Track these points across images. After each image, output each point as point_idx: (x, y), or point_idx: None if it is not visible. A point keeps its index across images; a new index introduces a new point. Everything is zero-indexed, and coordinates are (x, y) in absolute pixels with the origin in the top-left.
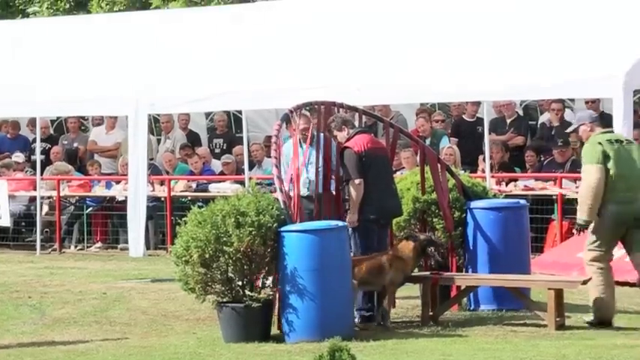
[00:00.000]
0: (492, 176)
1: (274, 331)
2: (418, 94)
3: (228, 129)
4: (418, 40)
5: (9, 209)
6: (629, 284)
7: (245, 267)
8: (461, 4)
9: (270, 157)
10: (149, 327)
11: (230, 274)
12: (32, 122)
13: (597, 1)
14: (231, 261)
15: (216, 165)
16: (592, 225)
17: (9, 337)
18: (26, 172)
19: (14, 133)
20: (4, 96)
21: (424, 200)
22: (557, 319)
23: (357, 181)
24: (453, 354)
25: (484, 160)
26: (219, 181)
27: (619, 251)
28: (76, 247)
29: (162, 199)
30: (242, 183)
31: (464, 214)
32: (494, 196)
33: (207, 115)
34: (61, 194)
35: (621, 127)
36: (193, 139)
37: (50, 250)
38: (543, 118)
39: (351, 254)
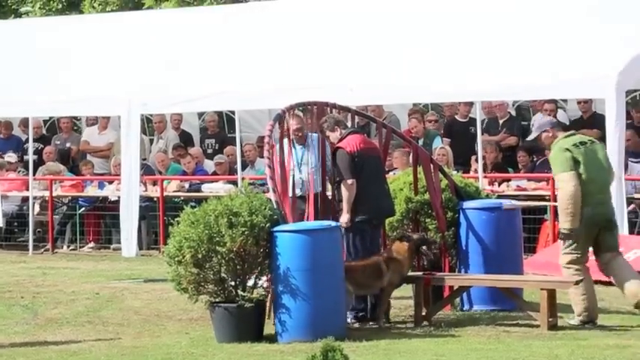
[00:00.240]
0: (485, 176)
1: (267, 330)
2: (411, 95)
3: (219, 129)
4: (411, 41)
5: (1, 209)
6: None
7: (238, 267)
8: (454, 5)
9: (263, 157)
10: (142, 327)
11: (223, 274)
12: (25, 122)
13: (590, 2)
14: (223, 261)
15: (209, 165)
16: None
17: (1, 337)
18: (19, 172)
19: (7, 133)
20: None
21: (417, 200)
22: (550, 319)
23: (349, 182)
24: (446, 354)
25: (476, 160)
26: (212, 182)
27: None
28: (68, 247)
29: (155, 199)
30: (235, 183)
31: (456, 215)
32: (487, 196)
33: (200, 115)
34: (54, 194)
35: (614, 127)
36: (186, 139)
37: (43, 250)
38: (536, 118)
39: (344, 255)
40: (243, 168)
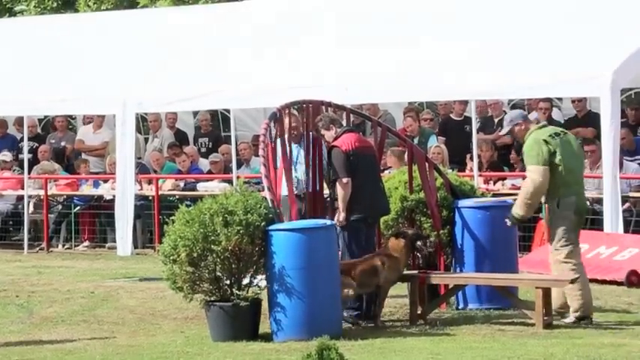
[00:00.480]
0: (480, 175)
1: (263, 329)
2: (406, 93)
3: (212, 128)
4: (406, 40)
5: None
6: (616, 283)
7: (233, 266)
8: (449, 4)
9: (258, 155)
10: (137, 326)
11: (218, 273)
12: (20, 121)
13: (585, 1)
14: (219, 260)
15: (204, 164)
16: (557, 224)
17: None
18: (14, 170)
19: (1, 132)
20: None
21: (412, 199)
22: (545, 317)
23: (344, 180)
24: (441, 353)
25: (472, 158)
26: (207, 180)
27: (607, 250)
28: (63, 246)
29: (150, 198)
30: (230, 182)
31: (452, 213)
32: (482, 195)
33: (195, 113)
34: (49, 193)
35: (609, 126)
36: (181, 138)
37: (38, 249)
38: (531, 117)
39: (339, 253)
40: (239, 167)
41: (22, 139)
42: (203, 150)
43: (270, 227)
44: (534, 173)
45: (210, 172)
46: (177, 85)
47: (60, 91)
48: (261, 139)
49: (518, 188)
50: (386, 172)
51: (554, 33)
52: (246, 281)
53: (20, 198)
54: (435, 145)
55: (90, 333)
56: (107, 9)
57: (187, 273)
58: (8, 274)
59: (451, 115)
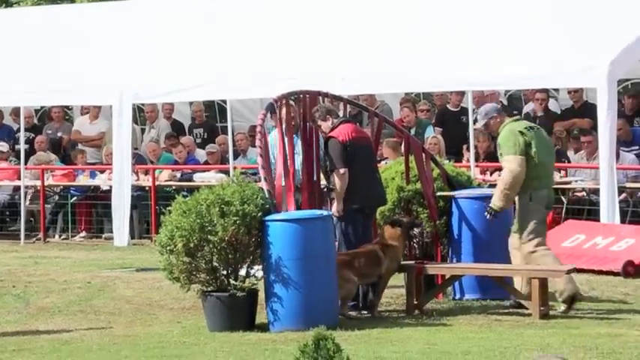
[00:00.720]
0: (477, 166)
1: (259, 319)
2: (403, 84)
3: (207, 118)
4: (403, 30)
5: None
6: (612, 273)
7: (230, 256)
8: None
9: (254, 146)
10: (134, 316)
11: (215, 264)
12: (16, 111)
13: None
14: (215, 250)
15: (201, 154)
16: (528, 217)
17: None
18: (10, 161)
19: None
20: None
21: (409, 190)
22: (542, 308)
23: (341, 171)
24: (438, 343)
25: (468, 149)
26: (204, 171)
27: (603, 240)
28: (60, 236)
29: (147, 188)
30: (226, 172)
31: (448, 204)
32: (479, 185)
33: (192, 104)
34: (45, 184)
35: (605, 116)
36: (178, 129)
37: (34, 239)
38: (527, 108)
39: (336, 244)
40: (235, 157)
41: (18, 130)
42: (198, 140)
43: (267, 218)
44: (512, 163)
45: (206, 162)
46: (174, 76)
47: (57, 81)
48: (258, 130)
49: None
50: (382, 162)
51: (550, 24)
52: (242, 272)
53: (17, 188)
54: (432, 135)
55: (86, 323)
56: (103, 0)
57: (184, 263)
58: (5, 264)
59: (448, 106)
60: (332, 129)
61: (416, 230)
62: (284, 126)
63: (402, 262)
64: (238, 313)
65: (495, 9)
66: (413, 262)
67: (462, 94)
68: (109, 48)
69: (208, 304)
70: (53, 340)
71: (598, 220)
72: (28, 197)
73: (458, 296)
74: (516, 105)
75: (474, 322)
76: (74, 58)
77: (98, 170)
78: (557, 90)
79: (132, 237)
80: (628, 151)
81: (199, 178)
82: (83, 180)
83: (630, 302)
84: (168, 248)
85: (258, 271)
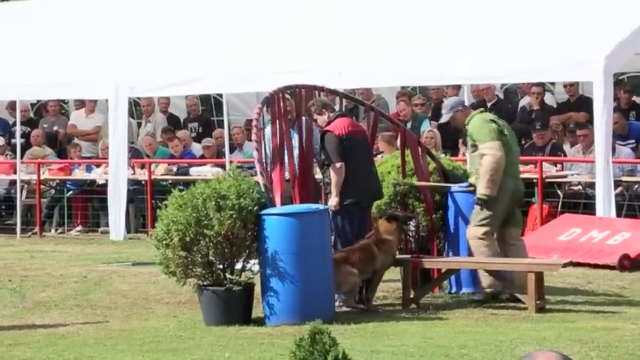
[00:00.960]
0: None
1: (256, 313)
2: (399, 78)
3: (201, 112)
4: (399, 24)
5: None
6: (608, 267)
7: (226, 250)
8: None
9: (251, 140)
10: (130, 310)
11: (211, 258)
12: (12, 105)
13: None
14: (211, 244)
15: (197, 148)
16: (489, 206)
17: None
18: (6, 155)
19: None
20: None
21: (405, 183)
22: (538, 302)
23: (337, 165)
24: (434, 337)
25: (464, 143)
26: (200, 165)
27: (599, 234)
28: (56, 230)
29: (143, 182)
30: (223, 166)
31: (444, 198)
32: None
33: (187, 98)
34: (41, 178)
35: (601, 110)
36: (174, 123)
37: (30, 233)
38: (523, 101)
39: (332, 238)
40: (231, 151)
41: (14, 124)
42: (193, 135)
43: (263, 212)
44: (492, 149)
45: (202, 156)
46: (170, 70)
47: (52, 75)
48: (254, 124)
49: None
50: (378, 156)
51: (546, 17)
52: (239, 266)
53: (13, 182)
54: (428, 129)
55: (83, 317)
56: None
57: (180, 257)
58: (1, 258)
59: (444, 100)
60: (328, 123)
61: (412, 224)
62: (277, 122)
63: (398, 256)
64: (234, 307)
65: (491, 3)
66: (409, 256)
67: (459, 87)
68: (104, 41)
69: (204, 298)
70: (49, 334)
71: (594, 214)
72: (24, 191)
73: (454, 290)
74: (512, 99)
75: (470, 316)
76: (70, 51)
77: (94, 164)
78: (553, 84)
79: (128, 231)
80: (624, 145)
81: (195, 172)
82: (79, 174)
83: (626, 296)
84: (164, 242)
85: (254, 265)
